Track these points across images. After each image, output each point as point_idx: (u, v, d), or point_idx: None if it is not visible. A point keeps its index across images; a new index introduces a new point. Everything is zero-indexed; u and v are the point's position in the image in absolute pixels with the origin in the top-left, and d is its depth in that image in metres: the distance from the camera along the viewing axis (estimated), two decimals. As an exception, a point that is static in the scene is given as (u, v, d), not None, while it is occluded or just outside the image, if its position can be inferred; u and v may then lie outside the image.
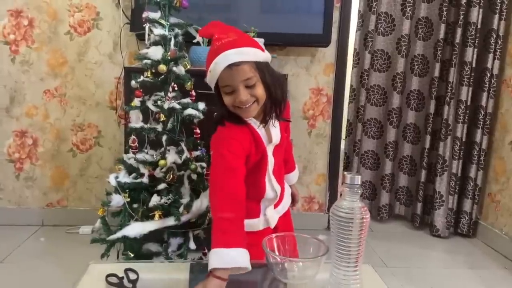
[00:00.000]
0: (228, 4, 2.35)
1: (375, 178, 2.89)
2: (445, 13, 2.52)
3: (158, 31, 1.52)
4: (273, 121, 1.13)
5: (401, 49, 2.62)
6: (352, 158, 2.77)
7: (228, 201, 1.01)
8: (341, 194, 0.91)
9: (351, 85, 2.70)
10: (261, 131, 1.12)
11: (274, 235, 1.02)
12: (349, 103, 2.72)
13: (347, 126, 2.76)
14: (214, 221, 0.99)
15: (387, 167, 2.78)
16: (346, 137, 2.77)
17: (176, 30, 1.57)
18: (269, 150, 1.16)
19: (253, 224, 1.19)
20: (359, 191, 0.89)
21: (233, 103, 1.04)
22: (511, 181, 2.44)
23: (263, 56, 1.06)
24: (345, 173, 0.89)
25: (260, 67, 1.05)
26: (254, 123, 1.11)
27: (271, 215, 1.21)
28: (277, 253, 0.99)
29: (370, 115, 2.79)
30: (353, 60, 2.66)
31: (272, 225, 1.21)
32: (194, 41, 2.02)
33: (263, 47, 1.09)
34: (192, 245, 1.57)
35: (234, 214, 0.99)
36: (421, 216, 2.75)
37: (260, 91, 1.05)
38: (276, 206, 1.24)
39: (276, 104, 1.11)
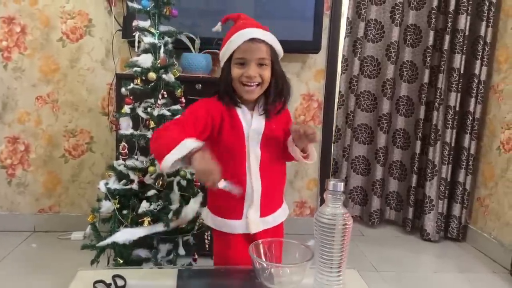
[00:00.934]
0: (222, 10, 2.38)
1: (366, 183, 2.91)
2: (433, 20, 2.56)
3: (148, 39, 1.54)
4: (259, 108, 1.16)
5: (390, 56, 2.65)
6: (342, 163, 2.79)
7: (161, 133, 1.06)
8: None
9: (340, 91, 2.72)
10: (245, 116, 1.15)
11: (260, 241, 1.04)
12: (337, 109, 2.74)
13: (335, 131, 2.78)
14: (151, 146, 1.08)
15: (378, 172, 2.80)
16: (334, 142, 2.79)
17: (166, 38, 1.59)
18: (253, 139, 1.15)
19: (232, 225, 1.18)
20: (342, 198, 0.91)
21: (241, 76, 1.10)
22: (500, 185, 2.48)
23: (279, 47, 1.15)
24: (328, 179, 0.91)
25: (275, 54, 1.14)
26: (239, 108, 1.14)
27: (253, 220, 1.18)
28: (263, 259, 1.01)
29: (361, 121, 2.81)
30: (341, 66, 2.69)
31: (252, 231, 1.17)
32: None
33: None
34: (182, 251, 1.58)
35: (171, 131, 1.03)
36: (412, 221, 2.78)
37: (267, 74, 1.12)
38: (263, 214, 1.20)
39: (277, 93, 1.15)
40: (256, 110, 1.17)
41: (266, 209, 1.20)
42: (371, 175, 2.86)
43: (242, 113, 1.15)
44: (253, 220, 1.17)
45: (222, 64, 1.16)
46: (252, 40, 1.08)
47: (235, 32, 1.10)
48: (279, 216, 1.25)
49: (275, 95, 1.16)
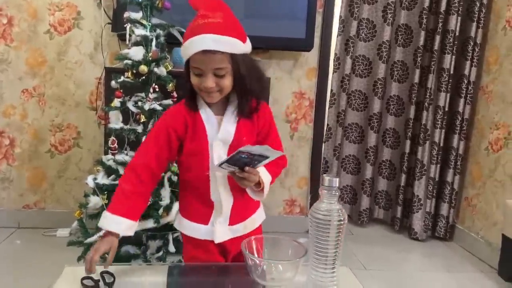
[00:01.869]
0: (212, 6, 2.35)
1: (355, 182, 2.91)
2: (424, 20, 2.57)
3: (139, 31, 1.51)
4: (234, 115, 1.08)
5: (382, 55, 2.66)
6: (332, 162, 2.79)
7: (128, 172, 1.07)
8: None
9: (331, 90, 2.71)
10: (209, 120, 1.07)
11: (253, 237, 1.02)
12: (329, 108, 2.74)
13: (326, 130, 2.77)
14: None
15: (367, 171, 2.81)
16: (325, 141, 2.78)
17: (158, 31, 1.57)
18: (218, 146, 1.07)
19: (195, 229, 1.12)
20: (337, 193, 0.90)
21: (198, 85, 1.02)
22: (487, 185, 2.50)
23: (242, 48, 1.03)
24: (324, 175, 0.90)
25: (236, 59, 1.02)
26: (204, 111, 1.07)
27: (220, 229, 1.11)
28: (256, 256, 0.99)
29: (351, 120, 2.82)
30: (333, 65, 2.68)
31: (217, 240, 1.11)
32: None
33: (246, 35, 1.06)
34: (172, 248, 1.55)
35: (127, 186, 1.05)
36: (401, 220, 2.79)
37: (227, 82, 1.03)
38: (233, 222, 1.13)
39: (245, 95, 1.07)
40: (227, 114, 1.09)
41: (236, 218, 1.13)
42: (361, 174, 2.87)
43: (207, 118, 1.07)
44: (219, 229, 1.11)
45: (184, 61, 1.07)
46: (205, 52, 0.97)
47: (189, 36, 0.99)
48: (252, 223, 1.17)
49: (244, 97, 1.08)
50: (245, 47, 1.05)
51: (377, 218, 2.94)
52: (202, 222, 1.12)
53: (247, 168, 1.00)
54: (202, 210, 1.12)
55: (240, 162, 0.98)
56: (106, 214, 1.03)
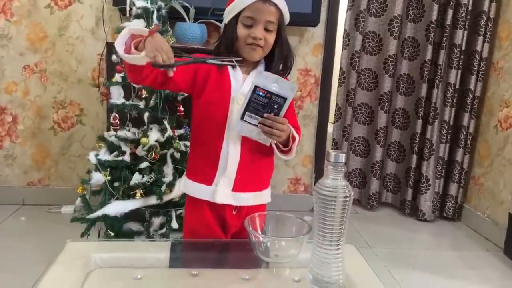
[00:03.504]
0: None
1: (365, 165, 2.82)
2: None
3: (140, 3, 1.47)
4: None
5: (393, 31, 2.55)
6: (342, 143, 2.72)
7: None
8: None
9: (341, 68, 2.62)
10: (236, 75, 1.11)
11: (257, 214, 1.00)
12: (338, 87, 2.66)
13: (335, 110, 2.69)
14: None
15: (377, 153, 2.71)
16: (334, 122, 2.71)
17: (160, 3, 1.52)
18: (240, 100, 1.07)
19: (199, 189, 1.12)
20: (343, 169, 0.87)
21: (247, 36, 1.07)
22: (495, 164, 2.47)
23: (288, 15, 1.13)
24: (330, 150, 0.87)
25: (283, 20, 1.12)
26: (231, 68, 1.11)
27: (222, 190, 1.11)
28: (259, 232, 0.97)
29: (361, 100, 2.72)
30: (343, 41, 2.59)
31: (217, 200, 1.11)
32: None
33: None
34: (175, 224, 1.55)
35: None
36: (411, 202, 2.71)
37: (272, 39, 1.09)
38: (237, 189, 1.12)
39: (281, 59, 1.13)
40: (254, 71, 1.12)
41: (241, 185, 1.13)
42: (370, 156, 2.79)
43: (234, 73, 1.11)
44: (222, 190, 1.11)
45: (226, 20, 1.12)
46: (265, 0, 1.06)
47: None
48: (256, 198, 1.17)
49: (278, 62, 1.13)
50: (288, 16, 1.13)
51: (385, 201, 2.87)
52: (206, 182, 1.12)
53: (266, 114, 1.00)
54: (207, 169, 1.12)
55: (260, 106, 0.99)
56: (127, 29, 0.97)
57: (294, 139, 1.10)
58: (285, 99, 0.98)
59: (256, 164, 1.15)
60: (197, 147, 1.16)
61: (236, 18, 1.09)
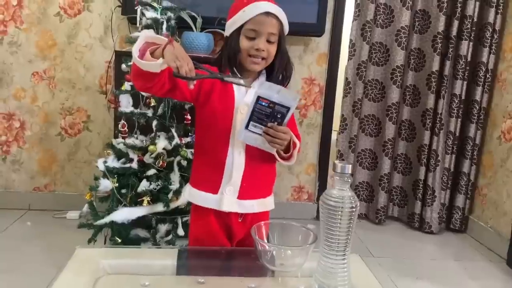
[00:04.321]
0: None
1: (372, 178, 2.76)
2: (445, 4, 2.45)
3: (150, 14, 1.50)
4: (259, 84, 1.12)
5: (400, 41, 2.53)
6: (348, 155, 2.67)
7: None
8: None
9: (346, 78, 2.59)
10: (239, 86, 1.12)
11: (263, 222, 1.02)
12: (343, 97, 2.63)
13: (341, 121, 2.64)
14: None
15: (385, 166, 2.66)
16: (339, 133, 2.65)
17: (169, 13, 1.55)
18: (243, 109, 1.10)
19: (205, 198, 1.14)
20: (349, 180, 0.89)
21: (250, 48, 1.10)
22: (499, 175, 2.47)
23: (287, 26, 1.16)
24: (336, 161, 0.88)
25: (283, 32, 1.15)
26: (234, 78, 1.12)
27: (228, 198, 1.12)
28: (265, 241, 0.99)
29: (367, 112, 2.68)
30: (348, 51, 2.57)
31: (224, 208, 1.12)
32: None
33: None
34: (181, 232, 1.56)
35: None
36: (419, 215, 2.65)
37: (274, 50, 1.13)
38: (242, 197, 1.14)
39: (281, 69, 1.17)
40: (257, 82, 1.15)
41: (246, 192, 1.14)
42: (377, 169, 2.72)
43: (238, 86, 1.13)
44: (228, 198, 1.13)
45: (228, 33, 1.14)
46: (267, 13, 1.09)
47: (249, 3, 1.10)
48: (260, 205, 1.18)
49: (278, 72, 1.17)
50: (287, 27, 1.17)
51: (391, 215, 2.80)
52: (212, 191, 1.14)
53: (270, 124, 1.03)
54: (213, 178, 1.13)
55: (263, 116, 1.01)
56: (143, 37, 0.99)
57: (295, 145, 1.12)
58: (288, 108, 1.00)
59: (260, 172, 1.17)
60: (201, 156, 1.18)
61: (238, 30, 1.11)
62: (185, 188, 1.23)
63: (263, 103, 0.99)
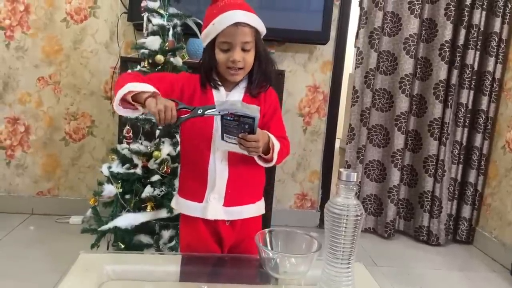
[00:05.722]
0: (227, -2, 2.33)
1: (380, 191, 2.69)
2: (452, 13, 2.44)
3: (156, 21, 1.51)
4: (243, 91, 1.13)
5: (409, 50, 2.50)
6: (356, 166, 2.61)
7: (123, 76, 1.11)
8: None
9: (354, 87, 2.57)
10: (219, 94, 1.13)
11: (266, 230, 1.01)
12: (351, 106, 2.59)
13: (348, 131, 2.61)
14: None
15: (394, 177, 2.59)
16: (347, 143, 2.62)
17: (175, 20, 1.56)
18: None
19: (190, 207, 1.14)
20: (355, 188, 0.89)
21: (226, 60, 1.08)
22: (503, 184, 2.46)
23: (263, 28, 1.12)
24: (341, 169, 0.88)
25: (259, 36, 1.11)
26: (217, 89, 1.13)
27: (213, 206, 1.12)
28: (269, 248, 0.98)
29: (375, 122, 2.63)
30: (355, 60, 2.55)
31: (209, 216, 1.12)
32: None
33: None
34: (184, 238, 1.55)
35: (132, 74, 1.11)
36: (427, 226, 2.58)
37: (250, 59, 1.10)
38: (228, 204, 1.13)
39: (260, 74, 1.14)
40: (236, 88, 1.15)
41: (233, 199, 1.14)
42: (386, 181, 2.65)
43: (218, 93, 1.13)
44: (213, 206, 1.12)
45: (204, 44, 1.13)
46: (237, 24, 1.06)
47: (218, 14, 1.07)
48: (249, 210, 1.17)
49: (258, 74, 1.14)
50: (264, 29, 1.13)
51: (397, 229, 2.71)
52: (197, 199, 1.14)
53: (241, 135, 1.02)
54: (197, 187, 1.13)
55: (233, 128, 1.03)
56: (127, 87, 1.02)
57: (274, 147, 1.11)
58: (252, 118, 1.01)
59: (246, 177, 1.16)
60: (186, 165, 1.18)
61: (213, 42, 1.09)
62: (173, 198, 1.23)
63: (228, 118, 1.01)
